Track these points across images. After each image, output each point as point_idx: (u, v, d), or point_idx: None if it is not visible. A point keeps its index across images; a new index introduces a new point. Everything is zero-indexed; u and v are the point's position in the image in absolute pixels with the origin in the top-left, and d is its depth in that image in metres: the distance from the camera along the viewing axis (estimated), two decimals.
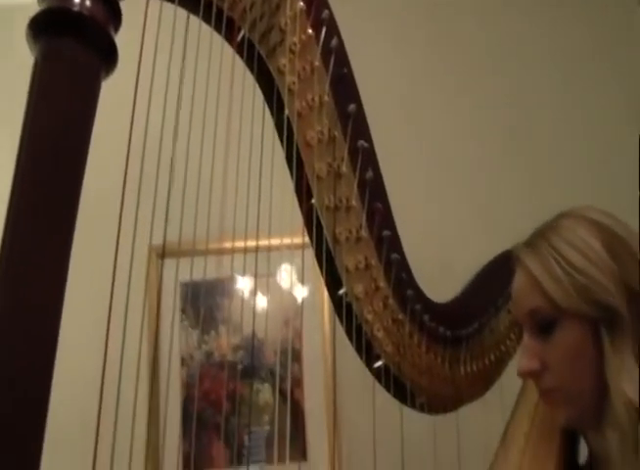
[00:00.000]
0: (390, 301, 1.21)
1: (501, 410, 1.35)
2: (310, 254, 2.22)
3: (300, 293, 2.26)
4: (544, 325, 1.10)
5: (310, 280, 2.26)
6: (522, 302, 1.15)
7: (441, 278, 1.28)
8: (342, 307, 1.18)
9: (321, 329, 2.23)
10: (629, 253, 1.08)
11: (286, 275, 2.25)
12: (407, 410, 1.23)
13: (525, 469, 1.23)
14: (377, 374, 1.20)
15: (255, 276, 2.06)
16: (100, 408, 0.84)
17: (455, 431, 1.24)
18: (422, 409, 1.24)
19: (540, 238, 1.14)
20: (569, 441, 1.22)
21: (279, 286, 2.24)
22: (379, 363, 1.19)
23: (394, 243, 1.22)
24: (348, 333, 1.18)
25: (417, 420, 1.24)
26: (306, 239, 2.21)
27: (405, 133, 2.31)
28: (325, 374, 2.17)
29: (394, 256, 1.21)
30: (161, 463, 2.05)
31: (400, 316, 1.21)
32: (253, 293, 2.22)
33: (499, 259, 1.38)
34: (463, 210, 2.31)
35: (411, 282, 1.24)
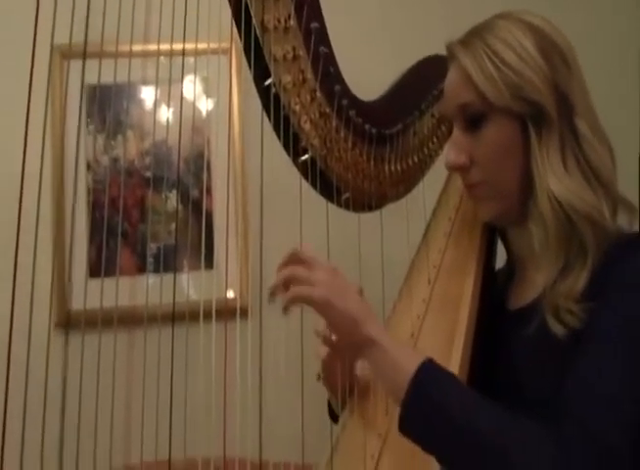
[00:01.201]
0: (318, 94, 1.18)
1: (423, 218, 1.38)
2: (223, 61, 2.16)
3: (211, 101, 2.19)
4: (474, 120, 1.12)
5: (221, 88, 2.19)
6: (453, 96, 1.16)
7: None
8: (270, 99, 1.15)
9: (231, 137, 2.18)
10: (561, 56, 1.11)
11: (197, 83, 2.17)
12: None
13: (445, 266, 1.27)
14: (303, 168, 1.18)
15: (187, 75, 1.98)
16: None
17: (379, 236, 1.24)
18: (347, 206, 1.25)
19: (475, 36, 1.14)
20: (486, 244, 1.27)
21: (190, 93, 2.16)
22: (305, 156, 1.17)
23: (322, 36, 1.18)
24: (276, 126, 1.15)
25: (341, 226, 1.23)
26: (223, 44, 2.13)
27: None
28: (235, 182, 2.14)
29: (322, 49, 1.18)
30: (68, 270, 2.03)
31: (327, 110, 1.19)
32: (163, 99, 2.14)
33: (424, 63, 1.38)
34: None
35: (338, 77, 1.21)
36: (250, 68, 1.14)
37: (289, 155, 1.17)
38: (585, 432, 0.88)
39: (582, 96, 1.11)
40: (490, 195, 1.14)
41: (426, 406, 0.93)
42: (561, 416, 0.92)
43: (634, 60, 2.38)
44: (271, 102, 1.14)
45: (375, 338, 1.00)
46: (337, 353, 1.19)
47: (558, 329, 1.01)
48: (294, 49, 1.15)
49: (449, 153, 1.16)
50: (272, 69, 1.14)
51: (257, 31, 1.13)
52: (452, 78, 1.16)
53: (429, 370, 0.96)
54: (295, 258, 1.05)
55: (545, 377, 1.04)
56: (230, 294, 2.08)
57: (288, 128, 1.15)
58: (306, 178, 1.18)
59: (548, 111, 1.07)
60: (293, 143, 1.16)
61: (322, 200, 1.23)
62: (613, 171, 1.10)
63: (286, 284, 1.03)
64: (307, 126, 1.17)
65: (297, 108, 1.16)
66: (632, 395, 0.92)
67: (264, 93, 1.15)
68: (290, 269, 1.04)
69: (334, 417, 1.32)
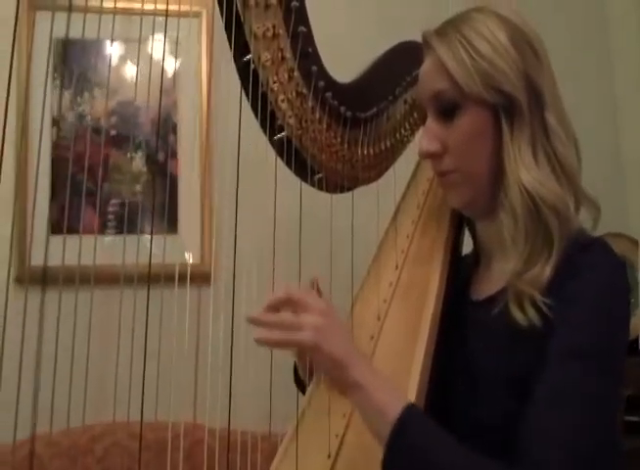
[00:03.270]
0: (296, 73, 1.19)
1: (393, 202, 1.42)
2: (194, 25, 2.14)
3: (179, 64, 2.17)
4: (447, 109, 1.14)
5: (191, 51, 2.18)
6: (427, 84, 1.18)
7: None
8: (248, 76, 1.15)
9: (198, 101, 2.17)
10: (532, 49, 1.14)
11: (166, 44, 2.14)
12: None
13: (412, 253, 1.31)
14: (279, 146, 1.19)
15: (156, 36, 1.95)
16: None
17: (350, 216, 1.26)
18: (320, 187, 1.26)
19: (450, 27, 1.17)
20: (454, 232, 1.30)
21: (160, 54, 2.14)
22: (281, 134, 1.19)
23: (302, 15, 1.19)
24: (253, 105, 1.15)
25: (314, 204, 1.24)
26: (194, 8, 2.11)
27: None
28: (201, 146, 2.14)
29: (301, 28, 1.19)
30: (29, 227, 2.00)
31: (304, 90, 1.20)
32: (133, 58, 2.12)
33: (399, 49, 1.39)
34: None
35: (316, 58, 1.22)
36: (229, 43, 1.14)
37: (265, 132, 1.18)
38: None
39: (552, 89, 1.14)
40: (461, 183, 1.16)
41: (407, 454, 0.95)
42: (522, 454, 0.94)
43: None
44: (250, 78, 1.14)
45: (360, 383, 0.99)
46: None
47: (519, 316, 1.04)
48: (274, 27, 1.16)
49: (422, 140, 1.17)
50: (252, 45, 1.14)
51: (239, 7, 1.13)
52: (427, 67, 1.18)
53: (411, 417, 0.97)
54: (286, 300, 1.03)
55: (497, 364, 1.08)
56: (191, 258, 2.08)
57: (265, 106, 1.16)
58: (281, 157, 1.20)
59: (520, 102, 1.10)
60: (269, 121, 1.17)
61: (289, 177, 1.24)
62: (578, 166, 1.14)
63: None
64: (284, 105, 1.17)
65: (276, 86, 1.16)
66: (590, 433, 0.94)
67: (243, 69, 1.15)
68: (277, 316, 1.02)
69: (298, 382, 1.35)
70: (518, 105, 1.10)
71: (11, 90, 1.99)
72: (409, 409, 0.97)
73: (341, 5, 2.30)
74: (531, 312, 1.03)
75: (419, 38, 1.21)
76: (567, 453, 0.92)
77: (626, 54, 2.54)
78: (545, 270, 1.06)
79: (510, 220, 1.11)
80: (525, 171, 1.09)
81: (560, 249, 1.07)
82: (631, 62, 2.51)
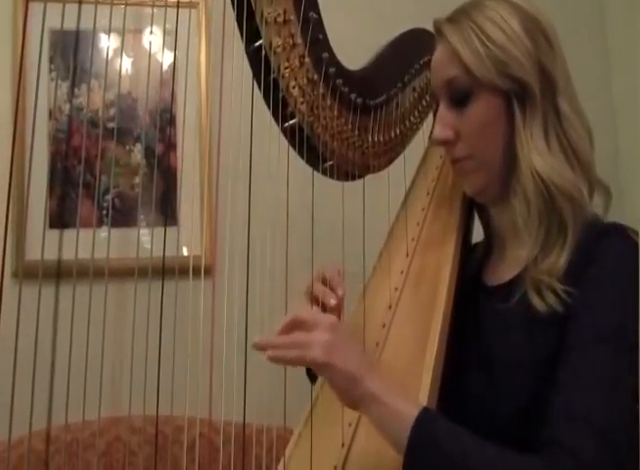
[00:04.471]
0: (306, 59, 1.18)
1: (404, 190, 1.41)
2: (194, 14, 2.12)
3: (178, 55, 2.14)
4: (460, 96, 1.14)
5: (189, 42, 2.15)
6: (440, 72, 1.17)
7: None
8: (259, 62, 1.14)
9: (197, 92, 2.15)
10: (545, 36, 1.14)
11: (166, 34, 2.12)
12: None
13: (423, 240, 1.30)
14: (290, 133, 1.18)
15: (154, 27, 1.92)
16: None
17: (361, 200, 1.25)
18: (331, 174, 1.25)
19: (462, 14, 1.16)
20: (464, 219, 1.30)
21: (157, 45, 2.12)
22: (293, 121, 1.17)
23: (312, 1, 1.18)
24: (265, 91, 1.15)
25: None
26: None
27: None
28: (201, 138, 2.12)
29: (312, 14, 1.18)
30: (26, 220, 1.98)
31: (315, 77, 1.19)
32: (130, 50, 2.09)
33: (407, 36, 1.38)
34: None
35: (326, 45, 1.21)
36: (240, 28, 1.13)
37: (276, 119, 1.17)
38: (578, 464, 0.90)
39: (564, 76, 1.14)
40: (474, 169, 1.16)
41: (426, 456, 0.94)
42: (549, 441, 0.94)
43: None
44: (262, 65, 1.13)
45: (375, 393, 0.98)
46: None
47: (539, 305, 1.03)
48: (284, 12, 1.15)
49: (435, 128, 1.17)
50: (263, 31, 1.13)
51: None
52: (439, 55, 1.18)
53: (427, 419, 0.96)
54: (294, 322, 1.01)
55: (516, 353, 1.08)
56: (189, 251, 2.06)
57: (276, 93, 1.15)
58: (292, 144, 1.18)
59: (532, 88, 1.10)
60: (281, 107, 1.16)
61: (296, 166, 1.23)
62: (591, 153, 1.14)
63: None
64: (296, 91, 1.16)
65: (287, 72, 1.15)
66: (618, 415, 0.95)
67: (254, 55, 1.14)
68: (288, 337, 1.00)
69: (310, 372, 1.34)
70: (530, 91, 1.10)
71: (6, 82, 2.01)
72: (426, 410, 0.97)
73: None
74: (551, 299, 1.03)
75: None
76: (597, 438, 0.91)
77: (625, 54, 2.54)
78: (561, 258, 1.06)
79: (522, 206, 1.11)
80: (538, 156, 1.09)
81: (575, 235, 1.07)
82: (630, 62, 2.51)
